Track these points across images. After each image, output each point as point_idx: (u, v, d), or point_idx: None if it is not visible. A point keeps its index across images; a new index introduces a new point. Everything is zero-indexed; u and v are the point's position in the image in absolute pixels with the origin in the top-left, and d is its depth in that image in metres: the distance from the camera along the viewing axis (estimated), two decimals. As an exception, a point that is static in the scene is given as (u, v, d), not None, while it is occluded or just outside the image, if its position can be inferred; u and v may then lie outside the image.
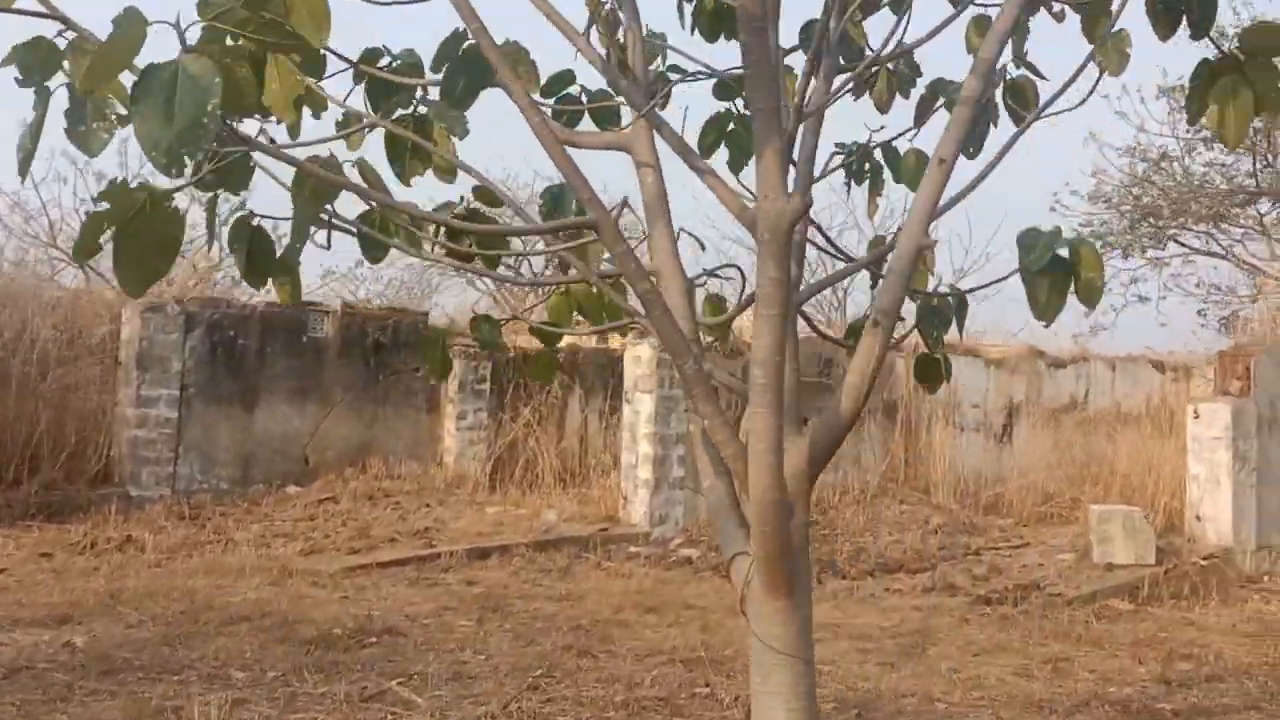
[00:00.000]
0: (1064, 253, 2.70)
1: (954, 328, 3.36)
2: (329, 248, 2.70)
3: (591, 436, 12.87)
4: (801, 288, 3.10)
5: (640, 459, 10.58)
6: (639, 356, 10.72)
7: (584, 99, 3.41)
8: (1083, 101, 3.19)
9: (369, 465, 11.64)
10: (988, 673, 6.59)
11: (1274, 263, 18.25)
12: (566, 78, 3.36)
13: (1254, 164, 17.40)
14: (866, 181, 3.79)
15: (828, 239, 3.74)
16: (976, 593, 8.88)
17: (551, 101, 3.34)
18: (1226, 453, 10.30)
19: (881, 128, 3.73)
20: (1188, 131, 16.83)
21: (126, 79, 1.93)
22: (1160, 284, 18.88)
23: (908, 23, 3.15)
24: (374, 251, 2.96)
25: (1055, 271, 2.73)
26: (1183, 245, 18.79)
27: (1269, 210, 18.17)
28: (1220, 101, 2.91)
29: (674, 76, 3.46)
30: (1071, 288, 2.72)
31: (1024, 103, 3.52)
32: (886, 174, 3.78)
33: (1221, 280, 18.60)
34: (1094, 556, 9.72)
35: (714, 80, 3.52)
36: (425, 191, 3.03)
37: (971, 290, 3.29)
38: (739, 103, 3.54)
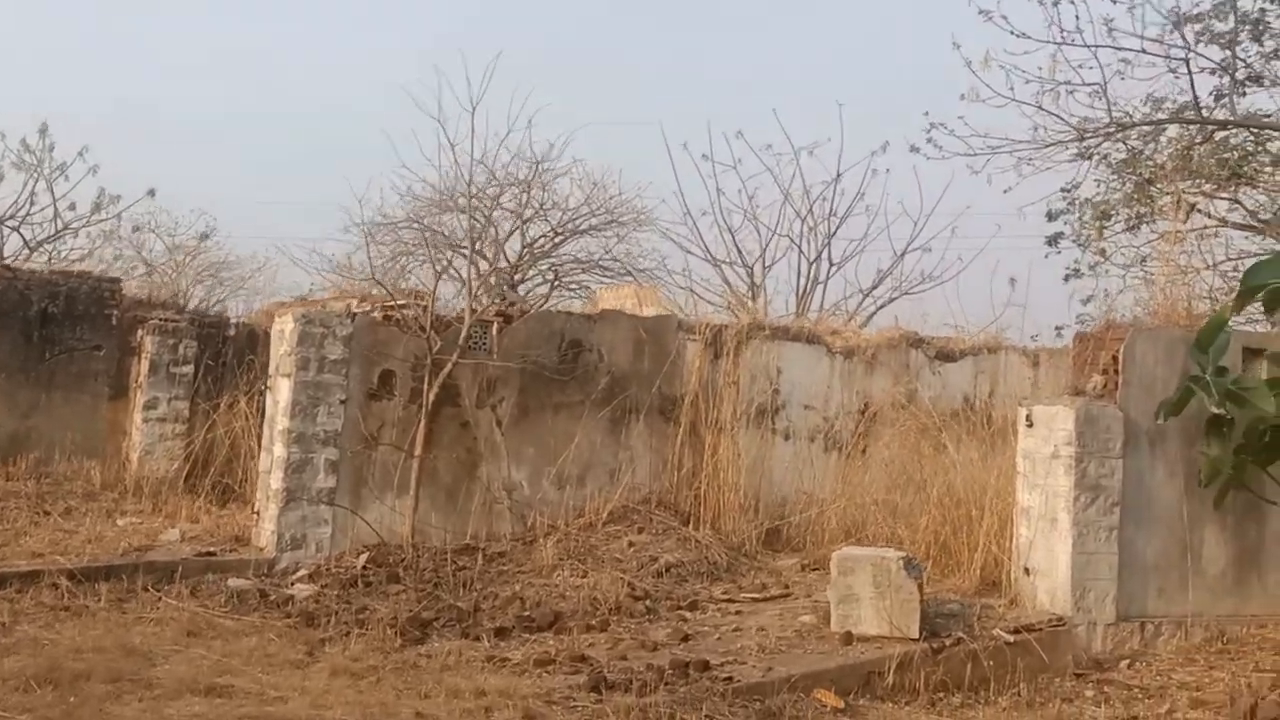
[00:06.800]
0: None
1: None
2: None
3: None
4: None
5: (275, 462, 8.07)
6: (282, 331, 8.20)
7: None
8: None
9: (20, 461, 9.50)
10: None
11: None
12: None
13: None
14: None
15: None
16: (608, 673, 6.03)
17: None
18: (1068, 478, 7.12)
19: None
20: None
21: None
22: (1178, 263, 15.04)
23: None
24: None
25: None
26: (1205, 215, 14.93)
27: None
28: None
29: None
30: None
31: None
32: None
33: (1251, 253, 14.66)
34: (832, 622, 6.74)
35: None
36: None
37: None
38: None
